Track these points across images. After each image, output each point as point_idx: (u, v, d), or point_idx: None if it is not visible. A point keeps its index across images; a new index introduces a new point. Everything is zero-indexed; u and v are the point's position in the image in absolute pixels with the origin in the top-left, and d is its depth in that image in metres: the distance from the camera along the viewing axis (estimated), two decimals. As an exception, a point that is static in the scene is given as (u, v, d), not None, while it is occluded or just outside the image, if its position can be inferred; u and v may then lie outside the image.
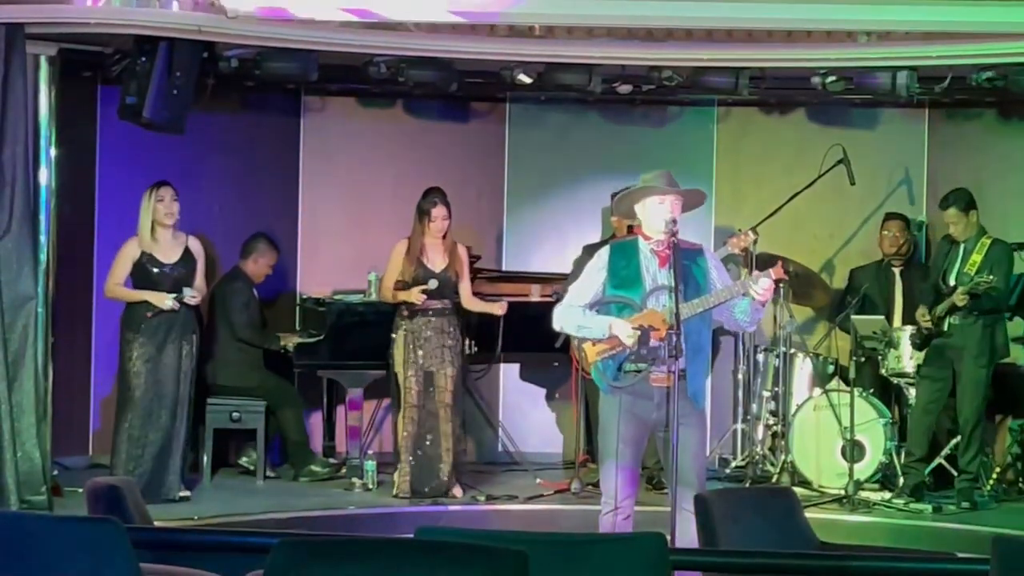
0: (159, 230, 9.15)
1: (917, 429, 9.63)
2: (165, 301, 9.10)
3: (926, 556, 6.24)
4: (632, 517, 7.01)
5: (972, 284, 9.23)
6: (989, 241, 9.53)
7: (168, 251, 9.19)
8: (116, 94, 9.18)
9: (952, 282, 9.52)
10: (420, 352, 9.45)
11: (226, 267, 10.40)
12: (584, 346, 7.07)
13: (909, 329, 9.77)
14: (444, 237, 9.56)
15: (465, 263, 9.66)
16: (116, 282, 9.19)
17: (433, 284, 9.42)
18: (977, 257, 9.47)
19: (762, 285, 6.78)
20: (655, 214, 6.90)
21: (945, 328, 9.49)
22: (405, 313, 9.50)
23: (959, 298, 9.28)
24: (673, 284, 6.75)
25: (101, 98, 10.20)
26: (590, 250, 9.61)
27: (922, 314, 9.58)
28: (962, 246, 9.58)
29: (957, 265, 9.56)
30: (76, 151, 9.66)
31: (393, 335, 9.53)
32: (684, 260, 6.87)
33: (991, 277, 9.22)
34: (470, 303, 9.70)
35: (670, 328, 6.64)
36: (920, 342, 9.69)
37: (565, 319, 7.03)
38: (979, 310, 9.39)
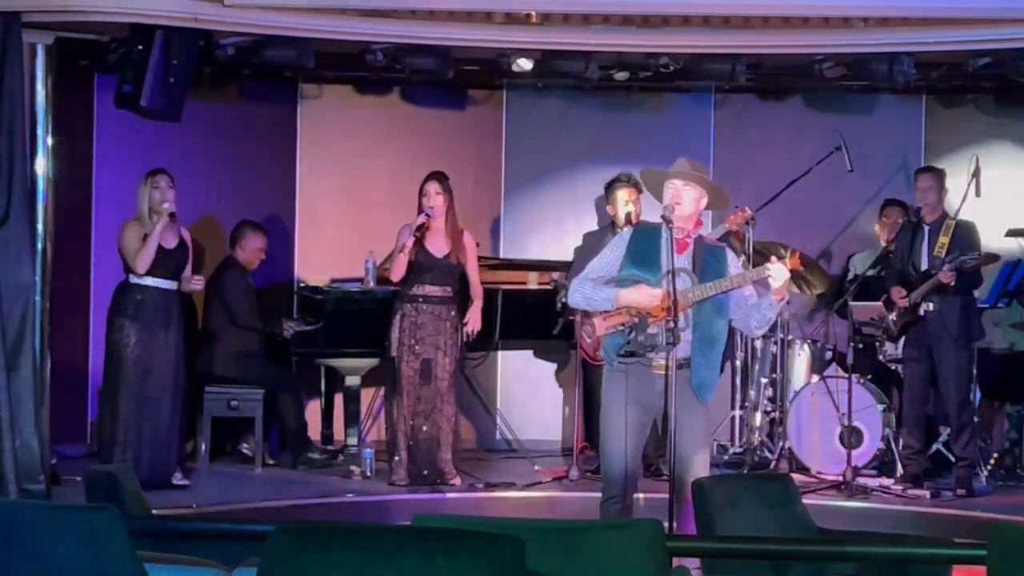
0: (156, 217, 9.14)
1: (911, 421, 9.62)
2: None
3: (923, 541, 6.24)
4: (632, 506, 7.00)
5: (959, 261, 9.18)
6: (954, 223, 9.50)
7: (167, 237, 9.19)
8: (113, 82, 9.17)
9: (923, 266, 9.48)
10: (417, 339, 9.45)
11: (223, 255, 10.40)
12: (594, 320, 7.05)
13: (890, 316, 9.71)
14: (447, 222, 9.53)
15: (471, 252, 9.64)
16: (138, 253, 9.11)
17: (425, 216, 9.38)
18: (944, 239, 9.43)
19: (776, 269, 6.74)
20: (664, 198, 6.92)
21: (920, 313, 9.45)
22: (409, 293, 9.47)
23: (944, 276, 9.22)
24: (689, 269, 6.77)
25: (98, 86, 10.20)
26: (590, 238, 9.63)
27: (901, 293, 9.50)
28: (926, 229, 9.54)
29: (924, 247, 9.53)
30: (73, 139, 9.65)
31: (391, 320, 9.53)
32: (705, 255, 6.88)
33: (977, 254, 9.19)
34: (477, 292, 9.68)
35: (668, 313, 6.62)
36: (899, 329, 9.64)
37: (575, 291, 7.01)
38: (960, 290, 9.35)
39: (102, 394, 9.30)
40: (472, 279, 9.63)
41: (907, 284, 9.53)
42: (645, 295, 6.77)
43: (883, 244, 10.35)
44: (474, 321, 9.61)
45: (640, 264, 6.88)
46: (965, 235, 9.41)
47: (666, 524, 6.23)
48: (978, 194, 9.96)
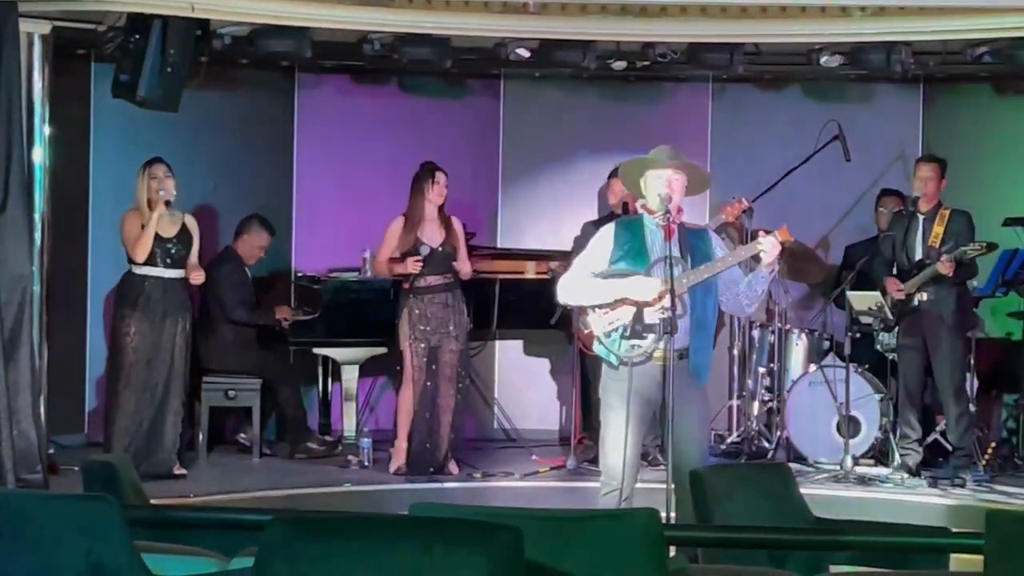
0: (155, 207, 9.12)
1: (907, 411, 9.62)
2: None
3: (921, 531, 6.25)
4: (632, 498, 6.98)
5: (960, 252, 9.17)
6: (948, 212, 9.48)
7: (166, 226, 9.18)
8: (110, 72, 9.16)
9: (918, 256, 9.48)
10: (426, 327, 9.43)
11: (221, 245, 10.40)
12: (589, 320, 7.00)
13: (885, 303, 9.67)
14: (440, 211, 9.55)
15: (461, 236, 9.65)
16: (137, 243, 9.11)
17: (425, 250, 9.41)
18: (939, 229, 9.42)
19: (768, 242, 6.76)
20: (655, 188, 6.89)
21: (915, 303, 9.45)
22: (414, 287, 9.46)
23: (944, 266, 9.21)
24: (679, 256, 6.75)
25: (95, 76, 10.17)
26: (590, 227, 9.61)
27: (897, 285, 9.49)
28: (921, 219, 9.53)
29: (919, 237, 9.52)
30: (70, 129, 9.65)
31: (399, 316, 9.52)
32: (691, 239, 6.87)
33: (979, 244, 9.19)
34: (467, 275, 9.68)
35: (666, 301, 6.61)
36: (895, 318, 9.62)
37: (571, 289, 6.96)
38: (959, 279, 9.35)
39: (107, 384, 9.30)
40: (462, 263, 9.60)
41: (900, 274, 9.53)
42: (641, 286, 6.75)
43: (880, 233, 10.35)
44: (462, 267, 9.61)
45: (628, 256, 6.85)
46: (960, 224, 9.41)
47: (663, 514, 6.23)
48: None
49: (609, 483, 6.88)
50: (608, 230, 7.01)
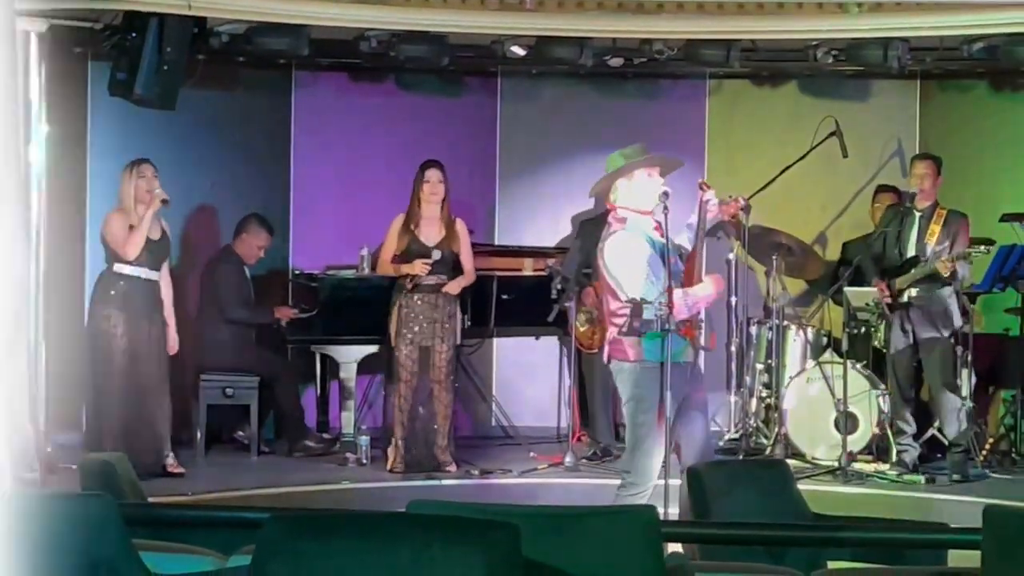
0: (141, 207, 9.11)
1: (902, 406, 9.62)
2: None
3: (919, 526, 6.24)
4: None
5: (965, 254, 9.17)
6: (945, 211, 9.49)
7: (152, 228, 9.16)
8: (107, 70, 9.16)
9: (911, 253, 9.47)
10: (415, 327, 9.44)
11: (218, 244, 10.39)
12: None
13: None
14: (442, 211, 9.53)
15: (465, 239, 9.63)
16: (127, 240, 9.10)
17: (437, 255, 9.42)
18: (936, 227, 9.42)
19: (712, 194, 7.09)
20: (649, 188, 6.90)
21: (906, 299, 9.44)
22: (407, 287, 9.46)
23: (944, 266, 9.21)
24: (672, 245, 6.88)
25: (92, 74, 10.15)
26: (587, 225, 9.62)
27: (885, 293, 9.48)
28: (917, 216, 9.53)
29: (914, 235, 9.52)
30: (67, 128, 9.63)
31: (390, 310, 9.52)
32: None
33: (986, 248, 9.20)
34: (468, 273, 9.67)
35: (667, 298, 6.66)
36: (889, 313, 9.61)
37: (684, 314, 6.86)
38: (954, 279, 9.35)
39: (90, 383, 9.27)
40: (465, 265, 9.62)
41: (890, 270, 9.52)
42: (707, 284, 6.90)
43: (876, 229, 10.35)
44: (451, 287, 9.54)
45: (655, 263, 6.85)
46: (957, 224, 9.41)
47: (661, 510, 6.23)
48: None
49: (641, 483, 6.87)
50: (642, 245, 6.90)
